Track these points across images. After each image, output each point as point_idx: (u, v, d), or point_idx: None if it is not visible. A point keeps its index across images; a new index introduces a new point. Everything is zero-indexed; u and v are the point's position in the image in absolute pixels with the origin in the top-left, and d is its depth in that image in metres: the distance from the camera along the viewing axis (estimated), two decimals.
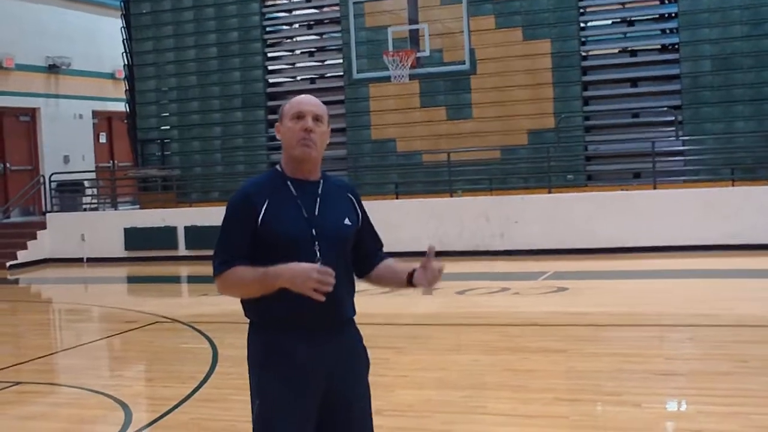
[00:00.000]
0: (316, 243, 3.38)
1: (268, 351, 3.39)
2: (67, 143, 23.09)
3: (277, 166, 3.53)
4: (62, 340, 11.19)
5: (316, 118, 3.46)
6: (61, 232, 19.29)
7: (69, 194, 20.69)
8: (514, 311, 10.71)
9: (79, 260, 18.87)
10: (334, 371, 3.41)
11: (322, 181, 3.52)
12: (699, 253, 14.63)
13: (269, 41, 20.55)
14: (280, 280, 3.23)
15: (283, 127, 3.48)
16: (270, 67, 20.61)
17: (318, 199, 3.45)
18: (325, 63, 20.52)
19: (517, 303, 11.34)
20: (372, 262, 3.64)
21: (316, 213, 3.42)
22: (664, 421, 6.34)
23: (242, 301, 3.47)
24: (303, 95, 3.56)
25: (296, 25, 21.01)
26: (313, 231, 3.39)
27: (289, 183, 3.45)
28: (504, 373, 7.54)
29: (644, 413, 6.25)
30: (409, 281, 3.54)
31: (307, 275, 3.19)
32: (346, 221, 3.51)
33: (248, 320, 3.51)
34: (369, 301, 11.23)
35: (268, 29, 20.55)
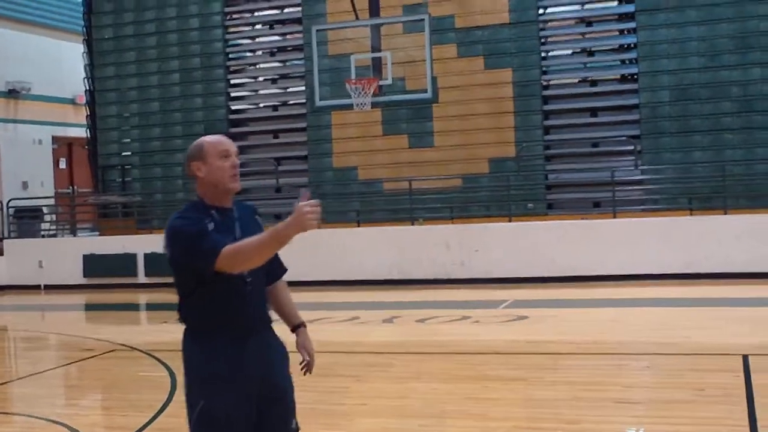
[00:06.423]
0: None
1: (210, 356, 3.67)
2: (26, 169, 22.86)
3: (195, 199, 3.82)
4: (17, 368, 11.01)
5: (236, 155, 3.83)
6: (18, 259, 19.06)
7: (27, 220, 20.46)
8: (474, 339, 10.71)
9: (37, 287, 18.64)
10: (265, 371, 3.75)
11: (234, 207, 3.84)
12: (657, 282, 14.79)
13: (232, 68, 20.54)
14: (291, 229, 3.39)
15: (208, 166, 3.76)
16: (233, 94, 20.59)
17: (237, 223, 3.77)
18: (288, 90, 20.53)
19: (477, 331, 11.35)
20: (270, 278, 3.97)
21: (239, 235, 3.68)
22: None
23: (182, 308, 3.76)
24: (214, 135, 3.88)
25: (259, 52, 21.05)
26: None
27: (213, 211, 3.74)
28: (464, 402, 7.53)
29: None
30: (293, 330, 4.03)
31: (305, 215, 3.36)
32: None
33: (184, 327, 3.78)
34: (328, 329, 11.18)
35: (230, 56, 20.56)
